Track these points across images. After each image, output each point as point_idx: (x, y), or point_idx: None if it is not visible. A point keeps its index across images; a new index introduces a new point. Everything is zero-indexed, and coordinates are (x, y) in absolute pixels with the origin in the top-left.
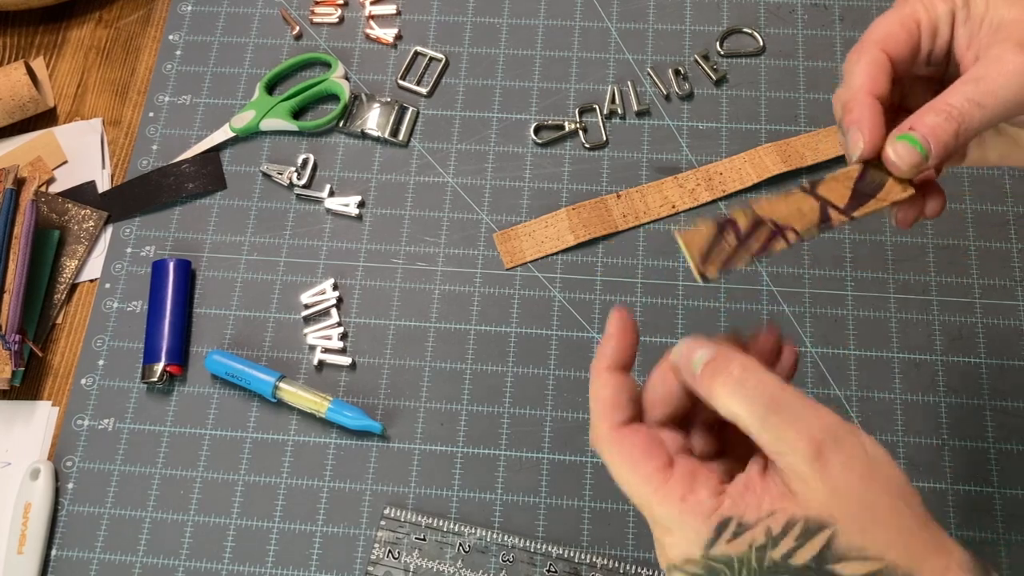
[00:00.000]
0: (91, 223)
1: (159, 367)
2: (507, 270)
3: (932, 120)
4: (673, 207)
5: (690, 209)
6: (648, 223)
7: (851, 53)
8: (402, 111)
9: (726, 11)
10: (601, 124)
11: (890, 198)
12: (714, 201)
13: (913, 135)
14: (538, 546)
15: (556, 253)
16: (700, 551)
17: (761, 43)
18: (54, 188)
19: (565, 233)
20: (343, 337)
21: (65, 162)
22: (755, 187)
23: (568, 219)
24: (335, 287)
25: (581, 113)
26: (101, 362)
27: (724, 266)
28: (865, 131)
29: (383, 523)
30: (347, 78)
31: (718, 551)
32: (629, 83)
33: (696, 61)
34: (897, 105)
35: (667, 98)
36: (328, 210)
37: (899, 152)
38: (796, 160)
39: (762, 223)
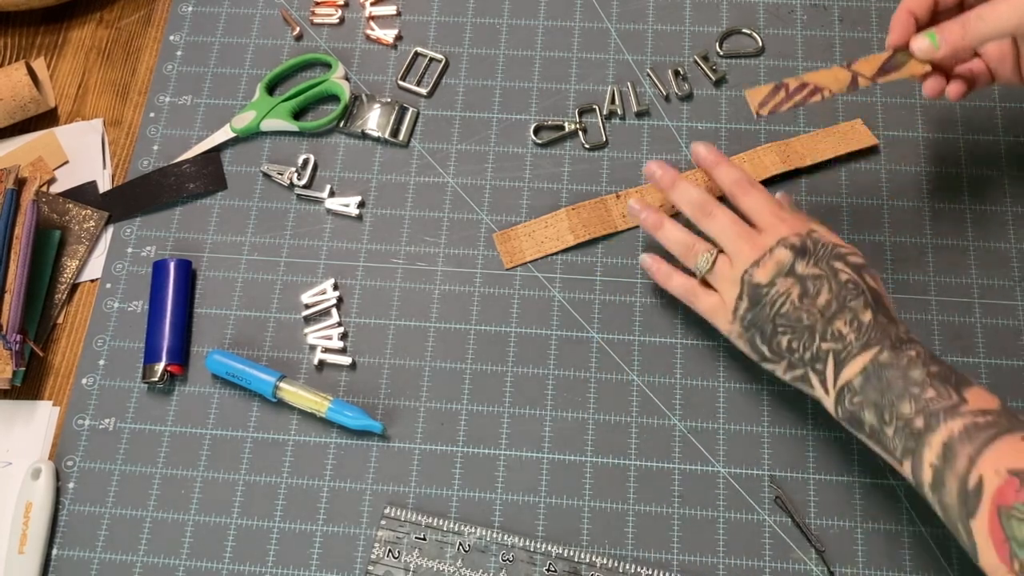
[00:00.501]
0: (92, 223)
1: (160, 367)
2: (507, 270)
3: (948, 25)
4: (672, 207)
5: None
6: None
7: None
8: (402, 111)
9: (725, 12)
10: (601, 124)
11: (909, 71)
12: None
13: (933, 32)
14: (538, 545)
15: (556, 253)
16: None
17: (760, 44)
18: (55, 188)
19: (565, 233)
20: (343, 337)
21: (66, 162)
22: None
23: (568, 219)
24: (335, 287)
25: (581, 114)
26: (102, 362)
27: (773, 110)
28: (897, 28)
29: (383, 523)
30: (347, 79)
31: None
32: (629, 84)
33: (696, 62)
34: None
35: (667, 99)
36: (328, 210)
37: (919, 42)
38: (795, 160)
39: (806, 84)
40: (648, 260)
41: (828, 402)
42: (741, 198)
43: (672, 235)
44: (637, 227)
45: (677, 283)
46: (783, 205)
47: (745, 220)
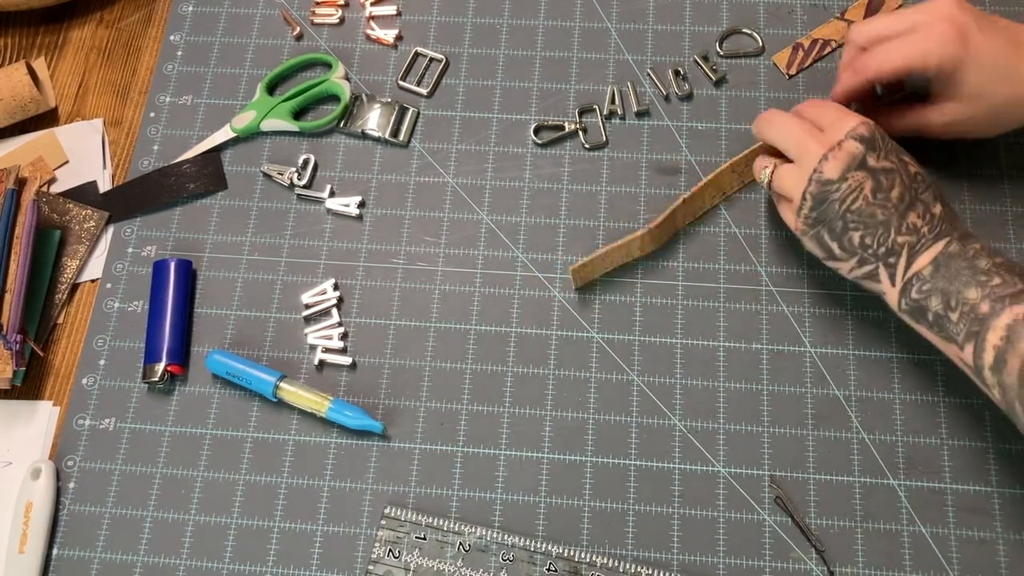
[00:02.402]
0: (92, 223)
1: (160, 367)
2: (507, 270)
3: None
4: (723, 193)
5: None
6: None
7: (848, 62)
8: (402, 111)
9: (726, 11)
10: (601, 124)
11: (889, 8)
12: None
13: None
14: (538, 545)
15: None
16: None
17: (761, 44)
18: (55, 188)
19: (634, 251)
20: (343, 337)
21: (66, 162)
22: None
23: (640, 240)
24: (336, 287)
25: (581, 113)
26: (102, 362)
27: (799, 68)
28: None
29: (383, 522)
30: (348, 79)
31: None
32: (629, 83)
33: (696, 62)
34: None
35: (667, 98)
36: (329, 210)
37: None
38: None
39: (816, 40)
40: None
41: (892, 294)
42: (805, 108)
43: (757, 162)
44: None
45: (759, 162)
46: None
47: None
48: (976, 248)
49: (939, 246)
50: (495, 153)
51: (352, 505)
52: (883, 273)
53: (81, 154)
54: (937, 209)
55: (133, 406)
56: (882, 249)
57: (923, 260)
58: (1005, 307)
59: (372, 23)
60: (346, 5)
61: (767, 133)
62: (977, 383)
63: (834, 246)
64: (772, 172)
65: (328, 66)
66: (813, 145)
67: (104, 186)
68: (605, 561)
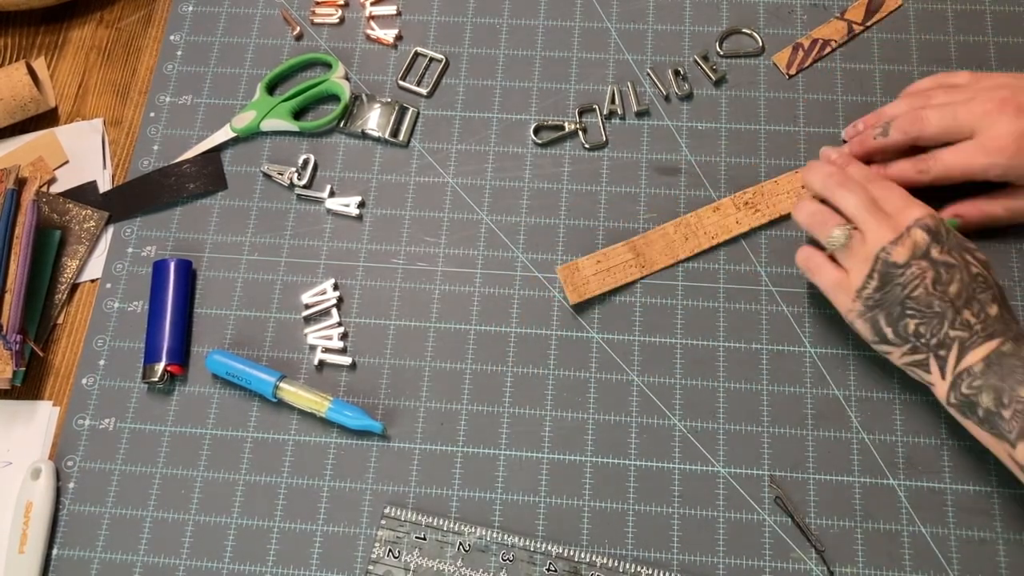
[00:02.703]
0: (92, 223)
1: (160, 367)
2: (507, 270)
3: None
4: (730, 231)
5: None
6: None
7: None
8: (402, 111)
9: (725, 11)
10: (601, 124)
11: (888, 8)
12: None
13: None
14: (538, 545)
15: (623, 286)
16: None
17: (760, 43)
18: (55, 188)
19: (631, 267)
20: (343, 337)
21: (66, 162)
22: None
23: (632, 252)
24: (335, 287)
25: (581, 113)
26: (102, 362)
27: (799, 68)
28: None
29: (383, 522)
30: (347, 78)
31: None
32: (629, 83)
33: (695, 61)
34: None
35: (667, 98)
36: (328, 210)
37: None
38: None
39: (816, 40)
40: (804, 254)
41: (942, 387)
42: (872, 185)
43: (807, 207)
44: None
45: (829, 274)
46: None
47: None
48: None
49: (992, 344)
50: (495, 153)
51: (352, 505)
52: (933, 364)
53: (81, 154)
54: (993, 310)
55: (133, 406)
56: (934, 340)
57: (975, 356)
58: None
59: (372, 23)
60: (346, 5)
61: (834, 192)
62: None
63: (888, 331)
64: (850, 236)
65: (328, 66)
66: (884, 226)
67: (104, 186)
68: (605, 561)
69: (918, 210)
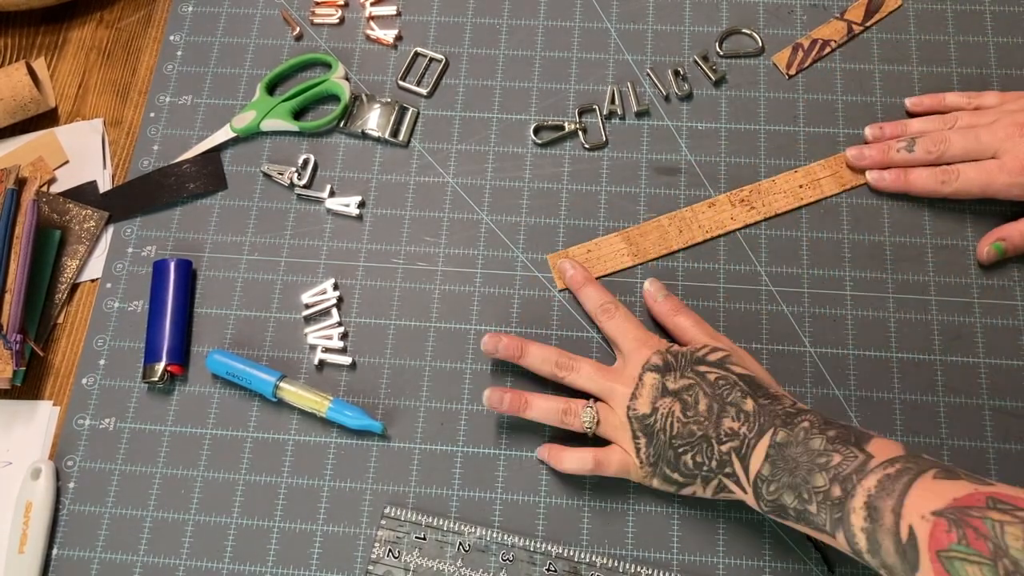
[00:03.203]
0: (92, 223)
1: (160, 367)
2: (507, 270)
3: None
4: (724, 227)
5: (744, 227)
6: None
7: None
8: (402, 111)
9: (725, 12)
10: (601, 124)
11: (888, 8)
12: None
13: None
14: (538, 545)
15: (613, 273)
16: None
17: (760, 44)
18: (55, 188)
19: (623, 255)
20: (343, 337)
21: (66, 162)
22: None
23: (625, 242)
24: (335, 287)
25: (581, 114)
26: (102, 362)
27: (799, 68)
28: None
29: (383, 522)
30: (347, 79)
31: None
32: (628, 84)
33: (695, 62)
34: None
35: (666, 99)
36: (328, 210)
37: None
38: (848, 177)
39: (816, 40)
40: (544, 449)
41: (749, 499)
42: (606, 322)
43: (543, 406)
44: (685, 245)
45: (575, 458)
46: (651, 308)
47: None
48: (804, 426)
49: (765, 440)
50: (495, 153)
51: (352, 505)
52: (729, 483)
53: (81, 154)
54: (748, 405)
55: (133, 406)
56: (713, 463)
57: (756, 460)
58: (855, 485)
59: (372, 23)
60: (346, 5)
61: (565, 377)
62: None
63: (677, 476)
64: (598, 411)
65: (328, 66)
66: (619, 387)
67: (104, 186)
68: (605, 561)
69: (645, 351)
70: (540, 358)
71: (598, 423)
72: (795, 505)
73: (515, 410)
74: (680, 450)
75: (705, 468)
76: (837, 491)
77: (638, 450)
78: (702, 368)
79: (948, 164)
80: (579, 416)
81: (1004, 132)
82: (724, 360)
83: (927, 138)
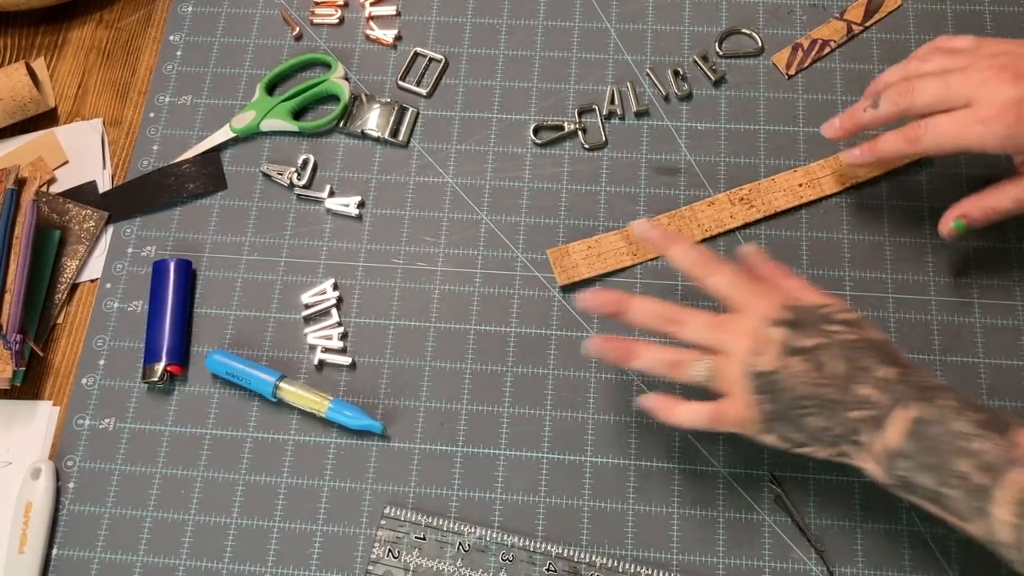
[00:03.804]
0: (92, 223)
1: (160, 367)
2: (507, 270)
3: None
4: (723, 225)
5: (740, 227)
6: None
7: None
8: (402, 111)
9: (725, 12)
10: (600, 125)
11: (888, 8)
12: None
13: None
14: (538, 545)
15: (612, 272)
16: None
17: (760, 44)
18: (55, 188)
19: (622, 254)
20: (343, 337)
21: (66, 162)
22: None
23: (625, 240)
24: (335, 287)
25: (580, 114)
26: (102, 362)
27: (798, 69)
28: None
29: (383, 522)
30: (347, 79)
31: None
32: (628, 84)
33: (695, 62)
34: None
35: (666, 99)
36: (328, 210)
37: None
38: (851, 178)
39: (815, 40)
40: (651, 398)
41: (876, 471)
42: (708, 278)
43: (651, 356)
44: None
45: (689, 411)
46: (754, 269)
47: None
48: (948, 404)
49: (905, 415)
50: (495, 153)
51: (352, 505)
52: (853, 452)
53: (81, 154)
54: (884, 373)
55: (133, 406)
56: (841, 429)
57: (893, 433)
58: (1004, 475)
59: (371, 23)
60: (345, 5)
61: (671, 328)
62: (1005, 558)
63: (797, 436)
64: (711, 365)
65: (327, 66)
66: (739, 339)
67: (104, 186)
68: (604, 561)
69: (763, 304)
70: (645, 311)
71: (711, 376)
72: (929, 485)
73: (620, 359)
74: (805, 411)
75: (830, 433)
76: (981, 479)
77: (757, 405)
78: (832, 328)
79: (920, 117)
80: (690, 369)
81: (979, 76)
82: (855, 320)
83: (892, 90)
